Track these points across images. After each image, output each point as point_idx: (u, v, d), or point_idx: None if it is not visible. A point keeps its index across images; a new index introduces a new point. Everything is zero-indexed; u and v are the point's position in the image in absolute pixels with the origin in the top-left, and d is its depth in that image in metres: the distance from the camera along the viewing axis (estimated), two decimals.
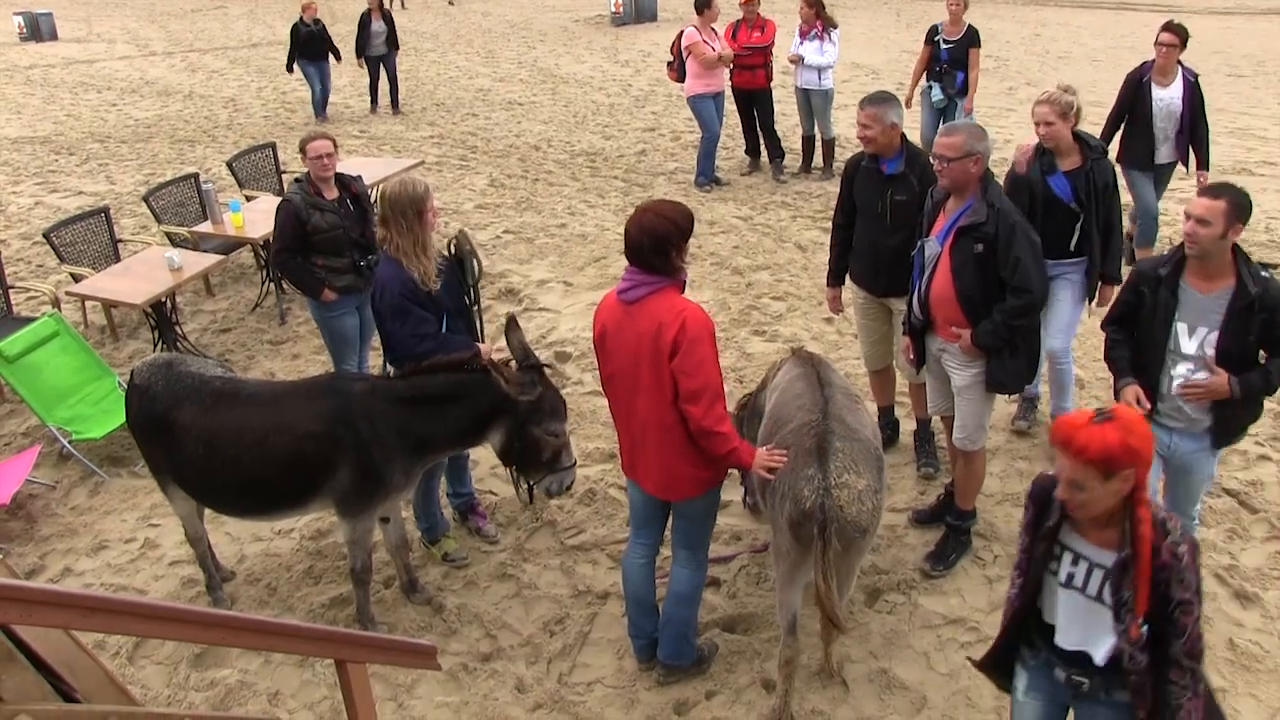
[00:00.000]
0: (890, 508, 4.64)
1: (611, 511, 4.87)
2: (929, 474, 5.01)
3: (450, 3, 26.67)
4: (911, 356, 4.38)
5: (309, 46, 12.67)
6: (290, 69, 12.96)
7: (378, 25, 12.98)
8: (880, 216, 4.61)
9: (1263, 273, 3.39)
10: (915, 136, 6.94)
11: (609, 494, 4.99)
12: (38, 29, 22.78)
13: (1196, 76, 6.68)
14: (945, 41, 8.75)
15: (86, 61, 19.73)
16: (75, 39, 23.14)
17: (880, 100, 4.52)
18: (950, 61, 8.72)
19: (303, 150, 5.14)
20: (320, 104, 13.26)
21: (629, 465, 3.65)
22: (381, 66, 13.39)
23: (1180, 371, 3.49)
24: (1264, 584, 4.20)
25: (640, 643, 3.88)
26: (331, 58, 12.89)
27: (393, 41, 13.25)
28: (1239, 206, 3.31)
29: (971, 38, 8.67)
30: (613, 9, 21.89)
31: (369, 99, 13.81)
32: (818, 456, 3.30)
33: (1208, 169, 6.75)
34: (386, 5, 13.44)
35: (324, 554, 4.73)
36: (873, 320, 4.99)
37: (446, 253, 4.24)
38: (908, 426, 5.28)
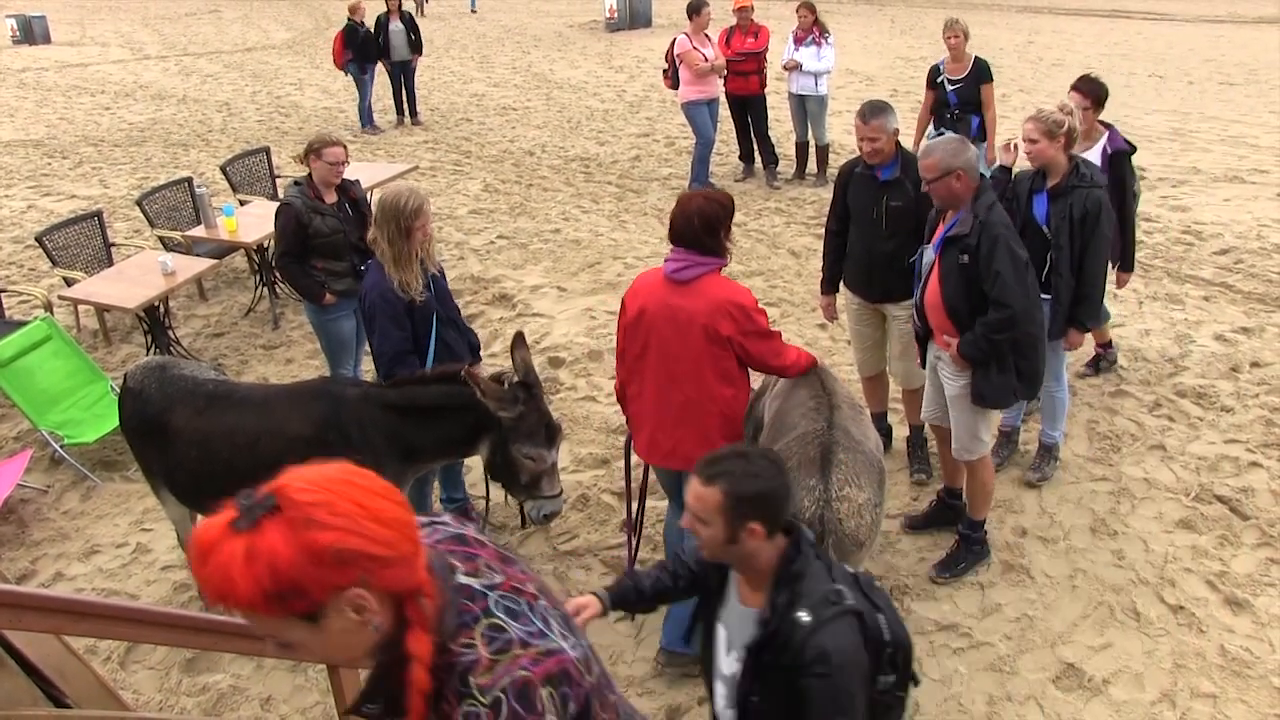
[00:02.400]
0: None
1: (604, 517, 4.87)
2: (921, 480, 5.02)
3: (472, 10, 26.76)
4: (918, 360, 4.44)
5: (365, 49, 12.36)
6: (348, 72, 12.67)
7: (396, 25, 12.49)
8: (875, 222, 4.62)
9: (801, 614, 2.12)
10: None
11: (602, 499, 4.99)
12: (31, 32, 22.78)
13: (1128, 151, 5.08)
14: (950, 82, 7.56)
15: (80, 65, 19.70)
16: (69, 42, 23.11)
17: (881, 110, 4.51)
18: (961, 105, 7.54)
19: (315, 153, 5.08)
20: (368, 111, 12.96)
21: (648, 447, 3.71)
22: (402, 73, 12.92)
23: (719, 694, 2.41)
24: (1255, 590, 4.21)
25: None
26: (380, 62, 12.63)
27: (415, 44, 12.73)
28: (746, 501, 2.13)
29: (980, 73, 7.50)
30: (607, 15, 21.96)
31: (395, 110, 13.30)
32: (820, 467, 3.30)
33: (1130, 270, 5.32)
34: (406, 5, 12.99)
35: None
36: (866, 326, 5.00)
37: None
38: (900, 433, 5.30)
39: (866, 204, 4.66)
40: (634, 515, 4.18)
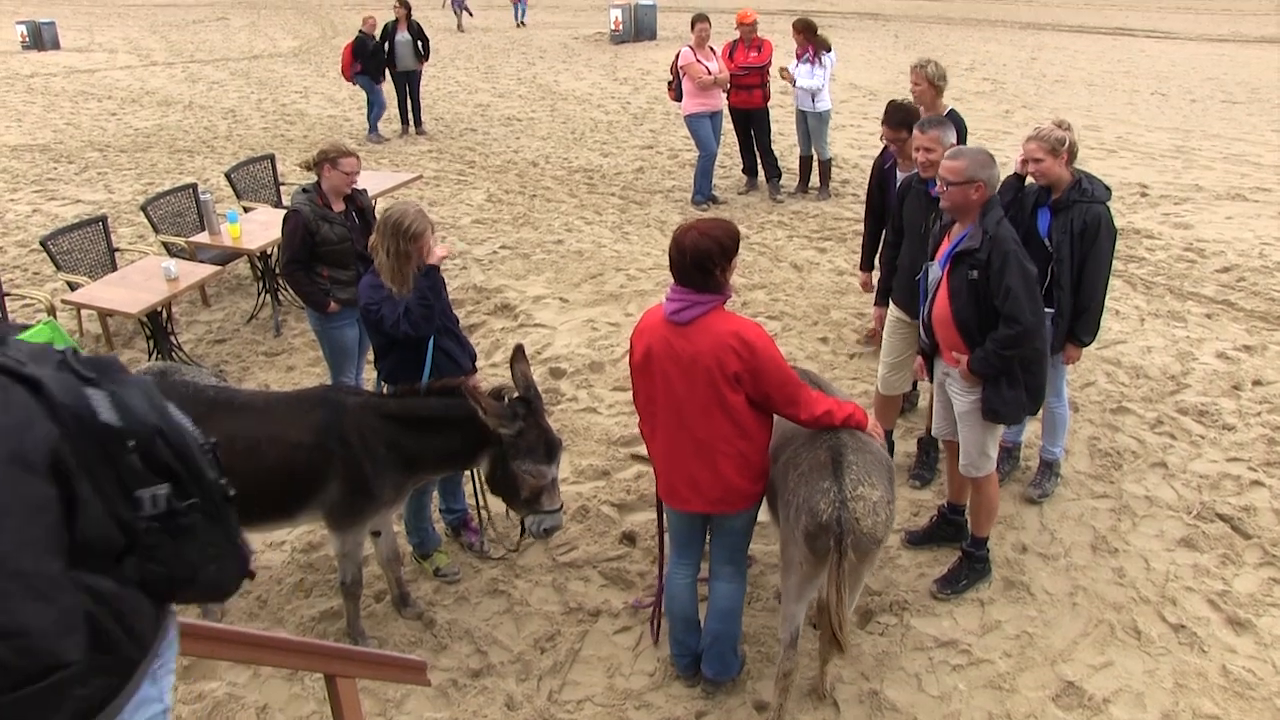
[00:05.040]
0: None
1: (604, 529, 4.85)
2: (917, 485, 5.02)
3: (522, 24, 26.89)
4: (923, 376, 4.43)
5: (375, 60, 12.47)
6: (367, 82, 12.69)
7: (403, 36, 12.56)
8: (924, 238, 4.60)
9: None
10: None
11: (601, 511, 4.97)
12: (40, 38, 22.92)
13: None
14: None
15: (87, 71, 19.79)
16: (77, 48, 23.22)
17: (940, 123, 4.54)
18: None
19: (330, 162, 5.06)
20: (376, 120, 12.99)
21: (667, 490, 3.60)
22: (407, 83, 12.98)
23: None
24: (1257, 610, 4.19)
25: (685, 660, 3.88)
26: (387, 72, 12.70)
27: (421, 54, 12.79)
28: None
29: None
30: (612, 27, 22.08)
31: (399, 119, 13.33)
32: (833, 470, 3.32)
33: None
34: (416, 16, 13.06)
35: (315, 567, 4.71)
36: (900, 341, 4.96)
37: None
38: (903, 448, 5.28)
39: (918, 219, 4.68)
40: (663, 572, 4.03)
